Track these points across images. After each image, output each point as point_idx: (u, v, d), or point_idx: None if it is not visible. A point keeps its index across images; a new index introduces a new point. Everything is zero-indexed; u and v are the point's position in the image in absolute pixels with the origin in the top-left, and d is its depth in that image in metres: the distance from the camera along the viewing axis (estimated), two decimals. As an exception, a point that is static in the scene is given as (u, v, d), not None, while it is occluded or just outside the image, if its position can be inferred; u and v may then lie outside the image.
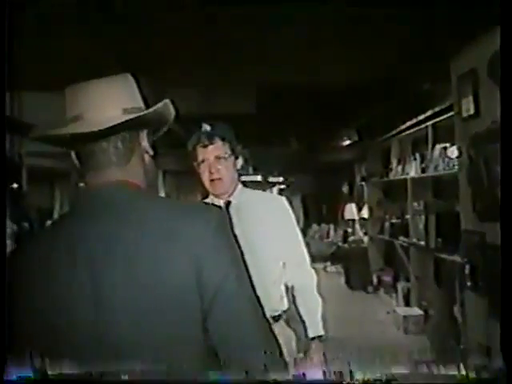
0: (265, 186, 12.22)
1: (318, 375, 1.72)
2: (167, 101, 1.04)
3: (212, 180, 1.92)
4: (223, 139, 1.92)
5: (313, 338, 1.96)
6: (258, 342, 0.92)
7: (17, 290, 0.94)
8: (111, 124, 0.95)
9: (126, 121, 0.97)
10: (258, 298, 0.97)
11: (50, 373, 0.86)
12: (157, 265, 0.90)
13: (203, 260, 0.91)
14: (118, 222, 0.93)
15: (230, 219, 1.88)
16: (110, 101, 1.00)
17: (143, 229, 0.92)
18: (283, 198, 2.13)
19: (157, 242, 0.91)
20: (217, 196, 1.98)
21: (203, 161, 1.92)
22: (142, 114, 0.99)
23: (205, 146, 1.91)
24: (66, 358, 0.87)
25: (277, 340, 0.97)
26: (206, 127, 1.93)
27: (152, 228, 0.93)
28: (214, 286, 0.91)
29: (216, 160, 1.91)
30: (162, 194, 9.11)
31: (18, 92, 4.80)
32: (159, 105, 1.02)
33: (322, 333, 1.98)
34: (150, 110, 1.01)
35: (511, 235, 1.99)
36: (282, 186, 14.04)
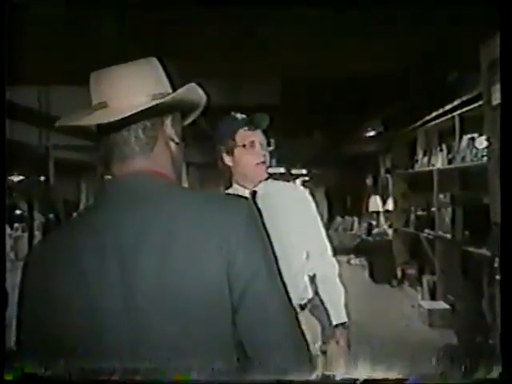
0: (288, 177, 12.19)
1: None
2: (192, 85, 0.99)
3: (259, 163, 1.94)
4: (263, 127, 1.96)
5: (337, 325, 1.98)
6: (287, 340, 0.90)
7: (44, 280, 0.93)
8: (125, 114, 0.91)
9: (146, 109, 0.93)
10: (287, 292, 0.94)
11: (70, 365, 0.85)
12: (188, 256, 0.88)
13: (235, 253, 0.89)
14: (146, 212, 0.92)
15: (258, 209, 1.93)
16: (136, 87, 0.97)
17: (174, 219, 0.90)
18: (304, 188, 2.16)
19: (187, 233, 0.89)
20: (243, 185, 1.98)
21: (249, 144, 1.93)
22: (159, 101, 0.95)
23: (252, 130, 1.93)
24: (91, 349, 0.87)
25: (305, 337, 0.95)
26: (243, 115, 1.96)
27: (183, 218, 0.90)
28: (244, 280, 0.88)
29: (262, 145, 1.95)
30: (186, 186, 9.18)
31: (46, 86, 4.88)
32: (180, 90, 0.98)
33: (345, 319, 1.99)
34: (168, 97, 0.97)
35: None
36: (306, 178, 13.99)
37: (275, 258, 0.95)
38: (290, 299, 0.94)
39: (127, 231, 0.90)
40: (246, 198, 1.01)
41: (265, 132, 1.98)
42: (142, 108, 0.93)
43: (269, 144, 2.00)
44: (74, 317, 0.90)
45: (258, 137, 1.94)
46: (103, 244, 0.91)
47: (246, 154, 1.93)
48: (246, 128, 1.92)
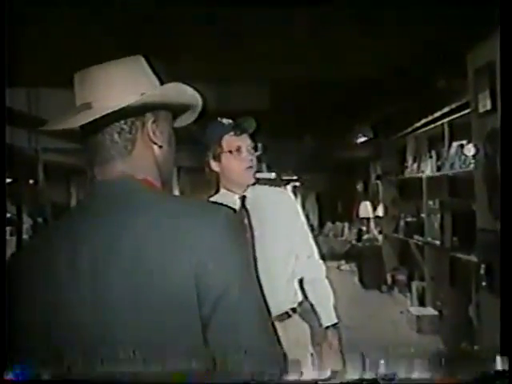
0: (278, 183, 12.18)
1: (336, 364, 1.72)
2: (171, 85, 0.95)
3: (247, 168, 1.94)
4: (250, 131, 1.97)
5: (328, 327, 1.99)
6: (261, 356, 0.85)
7: (18, 286, 0.92)
8: (89, 119, 0.88)
9: (118, 110, 0.89)
10: (267, 305, 0.91)
11: (47, 372, 0.84)
12: (158, 266, 0.84)
13: (205, 265, 0.84)
14: (120, 218, 0.89)
15: (248, 214, 1.95)
16: (120, 86, 0.93)
17: (147, 227, 0.87)
18: (289, 191, 2.21)
19: (159, 242, 0.85)
20: (231, 190, 1.98)
21: (235, 150, 1.93)
22: (124, 104, 0.89)
23: (237, 135, 1.93)
24: (64, 357, 0.86)
25: (281, 346, 0.92)
26: (230, 120, 1.96)
27: (156, 227, 0.86)
28: (215, 294, 0.84)
29: (249, 149, 1.95)
30: (176, 191, 9.13)
31: (36, 88, 4.84)
32: (150, 92, 0.94)
33: (336, 321, 2.01)
34: (143, 98, 0.91)
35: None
36: (296, 184, 13.98)
37: (256, 267, 0.91)
38: (268, 309, 0.91)
39: (99, 238, 0.88)
40: (228, 207, 0.95)
41: (252, 136, 1.98)
42: (108, 111, 0.89)
43: (256, 148, 2.00)
44: (46, 318, 0.89)
45: (244, 142, 1.94)
46: (77, 250, 0.89)
47: (233, 159, 1.93)
48: (232, 133, 1.92)
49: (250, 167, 1.94)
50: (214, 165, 1.96)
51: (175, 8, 2.64)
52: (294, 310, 1.98)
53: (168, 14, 2.72)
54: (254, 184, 2.02)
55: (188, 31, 3.00)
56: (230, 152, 1.93)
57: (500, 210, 2.82)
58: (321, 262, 2.10)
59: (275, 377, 0.85)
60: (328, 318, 2.00)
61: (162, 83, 0.99)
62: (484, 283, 3.11)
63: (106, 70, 0.95)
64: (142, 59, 0.99)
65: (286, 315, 1.94)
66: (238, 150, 1.93)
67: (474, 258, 3.76)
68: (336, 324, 2.00)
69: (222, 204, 0.95)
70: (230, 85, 4.68)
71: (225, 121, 1.95)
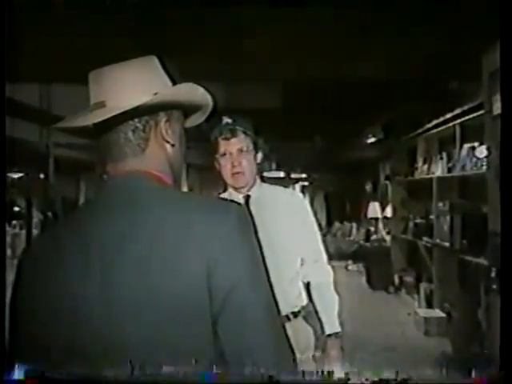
0: (287, 182, 12.19)
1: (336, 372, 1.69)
2: (182, 85, 0.97)
3: (234, 173, 1.92)
4: (245, 132, 1.92)
5: (329, 335, 1.95)
6: (269, 353, 0.85)
7: (28, 280, 0.92)
8: (104, 117, 0.90)
9: (132, 109, 0.90)
10: (276, 302, 0.90)
11: (52, 371, 0.84)
12: (169, 263, 0.84)
13: (216, 261, 0.84)
14: (132, 215, 0.89)
15: (251, 214, 1.92)
16: (134, 86, 0.95)
17: (158, 226, 0.87)
18: (300, 194, 2.16)
19: (170, 241, 0.86)
20: (236, 190, 1.98)
21: (225, 153, 1.91)
22: (133, 106, 0.90)
23: (227, 139, 1.91)
24: (70, 355, 0.86)
25: (291, 346, 0.92)
26: (228, 120, 1.92)
27: (167, 225, 0.87)
28: (223, 292, 0.84)
29: (238, 153, 1.91)
30: (185, 188, 9.16)
31: (48, 84, 4.88)
32: (164, 91, 0.95)
33: (338, 329, 1.96)
34: (152, 99, 0.93)
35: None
36: (305, 183, 13.98)
37: (265, 266, 0.91)
38: (278, 308, 0.90)
39: (110, 234, 0.88)
40: (238, 203, 0.95)
41: (253, 136, 1.95)
42: (122, 110, 0.90)
43: (257, 151, 1.97)
44: (57, 320, 0.89)
45: (233, 146, 1.91)
46: (87, 246, 0.89)
47: (222, 162, 1.93)
48: (223, 137, 1.91)
49: (237, 173, 1.91)
50: (217, 165, 1.97)
51: (187, 8, 2.64)
52: (294, 313, 1.94)
53: (180, 13, 2.72)
54: (264, 181, 2.02)
55: (200, 31, 3.01)
56: (220, 156, 1.93)
57: (501, 211, 2.80)
58: (329, 267, 2.04)
59: (282, 373, 0.85)
60: (330, 325, 1.96)
61: (174, 83, 1.00)
62: (494, 286, 3.09)
63: (120, 69, 0.96)
64: (155, 59, 1.00)
65: (286, 318, 1.89)
66: (224, 154, 1.91)
67: (483, 261, 3.73)
68: (338, 333, 1.95)
69: (231, 200, 0.96)
70: (242, 84, 4.69)
71: (224, 120, 1.93)
